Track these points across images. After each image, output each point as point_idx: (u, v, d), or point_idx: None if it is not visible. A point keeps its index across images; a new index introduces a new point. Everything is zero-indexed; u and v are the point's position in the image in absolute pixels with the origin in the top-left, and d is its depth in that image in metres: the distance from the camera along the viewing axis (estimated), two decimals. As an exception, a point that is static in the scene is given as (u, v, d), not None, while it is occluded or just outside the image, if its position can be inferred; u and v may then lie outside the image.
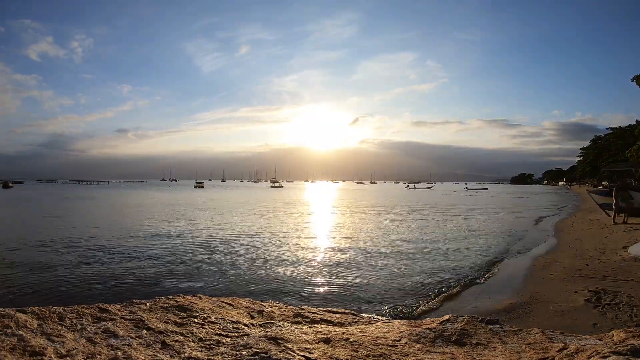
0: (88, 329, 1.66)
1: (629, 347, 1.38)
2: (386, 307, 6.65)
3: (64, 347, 1.46)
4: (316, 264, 10.00)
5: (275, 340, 1.66)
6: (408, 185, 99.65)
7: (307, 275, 8.82)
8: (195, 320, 1.93)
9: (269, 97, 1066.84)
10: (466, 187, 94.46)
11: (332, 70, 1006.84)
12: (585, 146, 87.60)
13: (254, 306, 2.30)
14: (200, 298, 2.28)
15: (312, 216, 23.92)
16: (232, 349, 1.58)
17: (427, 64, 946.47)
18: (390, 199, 46.20)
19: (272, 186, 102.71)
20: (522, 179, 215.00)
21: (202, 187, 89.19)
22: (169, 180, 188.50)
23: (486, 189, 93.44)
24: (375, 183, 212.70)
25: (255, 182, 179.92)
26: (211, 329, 1.84)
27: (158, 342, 1.64)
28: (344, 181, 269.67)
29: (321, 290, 7.77)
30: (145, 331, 1.73)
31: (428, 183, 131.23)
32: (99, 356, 1.44)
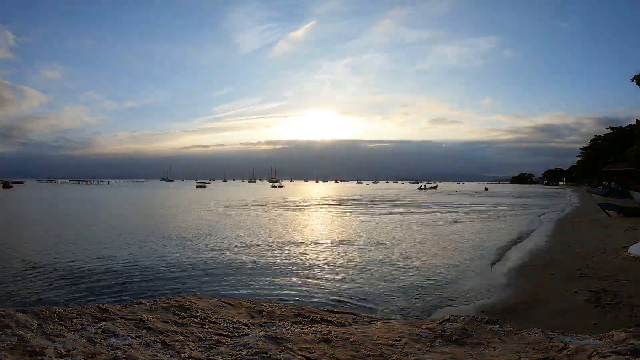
0: (88, 329, 1.66)
1: (629, 347, 1.38)
2: (386, 307, 6.66)
3: (64, 347, 1.46)
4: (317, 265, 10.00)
5: (275, 340, 1.66)
6: (420, 187, 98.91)
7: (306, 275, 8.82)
8: (195, 320, 1.93)
9: (306, 88, 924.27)
10: (486, 188, 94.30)
11: (398, 55, 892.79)
12: (585, 146, 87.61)
13: (254, 306, 2.30)
14: (200, 298, 2.29)
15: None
16: (232, 349, 1.59)
17: (504, 53, 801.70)
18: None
19: (272, 186, 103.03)
20: (522, 178, 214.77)
21: (204, 187, 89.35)
22: (162, 180, 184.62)
23: (486, 189, 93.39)
24: (377, 182, 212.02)
25: (253, 181, 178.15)
26: (211, 328, 1.84)
27: (158, 342, 1.64)
28: (345, 181, 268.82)
29: (321, 289, 7.77)
30: (145, 331, 1.73)
31: (428, 183, 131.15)
32: (99, 356, 1.44)
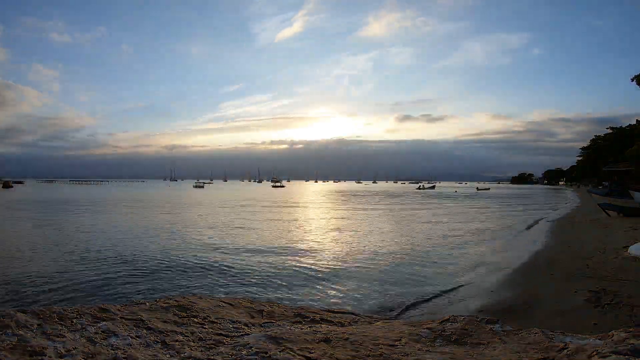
0: (88, 329, 1.66)
1: (629, 347, 1.38)
2: (386, 307, 6.65)
3: (64, 347, 1.46)
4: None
5: (275, 340, 1.66)
6: (419, 187, 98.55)
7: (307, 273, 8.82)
8: (196, 320, 1.93)
9: (321, 84, 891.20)
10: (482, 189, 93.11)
11: (423, 49, 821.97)
12: (585, 146, 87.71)
13: (254, 306, 2.30)
14: (200, 298, 2.29)
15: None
16: (232, 349, 1.59)
17: (533, 52, 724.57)
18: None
19: (273, 186, 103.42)
20: (523, 178, 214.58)
21: (202, 187, 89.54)
22: (165, 179, 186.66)
23: (488, 189, 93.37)
24: (376, 182, 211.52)
25: (259, 181, 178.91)
26: (211, 328, 1.84)
27: (158, 342, 1.64)
28: (340, 181, 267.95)
29: (322, 288, 7.77)
30: (145, 331, 1.73)
31: (428, 183, 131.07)
32: (99, 356, 1.44)
